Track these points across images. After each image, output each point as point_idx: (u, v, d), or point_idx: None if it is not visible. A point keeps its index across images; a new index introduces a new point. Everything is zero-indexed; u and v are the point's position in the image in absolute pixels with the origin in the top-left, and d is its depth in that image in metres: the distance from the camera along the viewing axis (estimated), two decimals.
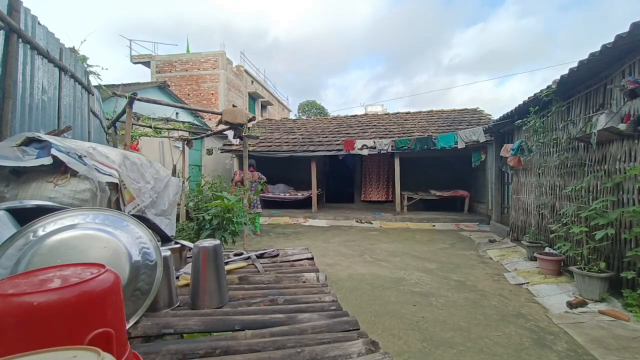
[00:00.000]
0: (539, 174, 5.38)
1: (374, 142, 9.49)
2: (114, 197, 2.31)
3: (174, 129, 7.52)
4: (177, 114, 9.33)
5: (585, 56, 3.60)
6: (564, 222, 4.09)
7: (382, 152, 9.43)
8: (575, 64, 3.78)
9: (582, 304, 3.24)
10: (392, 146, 9.25)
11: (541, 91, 4.71)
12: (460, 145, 8.49)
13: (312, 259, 2.29)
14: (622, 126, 3.33)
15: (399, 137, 9.83)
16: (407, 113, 13.04)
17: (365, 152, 9.49)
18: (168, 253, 1.49)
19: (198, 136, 8.10)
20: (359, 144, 9.53)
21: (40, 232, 1.22)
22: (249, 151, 6.82)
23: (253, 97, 17.83)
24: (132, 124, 5.08)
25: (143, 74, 19.92)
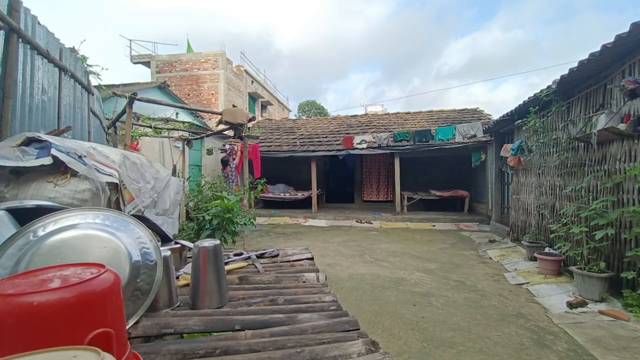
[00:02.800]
0: (539, 174, 5.37)
1: (373, 136, 9.58)
2: (114, 197, 2.30)
3: (174, 129, 7.51)
4: (177, 114, 9.31)
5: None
6: (564, 222, 4.09)
7: (381, 146, 9.48)
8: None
9: (582, 304, 3.24)
10: (391, 139, 9.30)
11: (541, 91, 4.70)
12: (458, 138, 8.50)
13: (312, 259, 2.29)
14: (622, 126, 3.33)
15: None
16: (407, 113, 13.00)
17: (364, 146, 9.53)
18: (168, 253, 1.49)
19: (198, 136, 8.10)
20: (357, 139, 9.64)
21: (40, 232, 1.22)
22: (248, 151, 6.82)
23: (253, 97, 17.82)
24: (132, 124, 5.08)
25: (143, 74, 19.95)
